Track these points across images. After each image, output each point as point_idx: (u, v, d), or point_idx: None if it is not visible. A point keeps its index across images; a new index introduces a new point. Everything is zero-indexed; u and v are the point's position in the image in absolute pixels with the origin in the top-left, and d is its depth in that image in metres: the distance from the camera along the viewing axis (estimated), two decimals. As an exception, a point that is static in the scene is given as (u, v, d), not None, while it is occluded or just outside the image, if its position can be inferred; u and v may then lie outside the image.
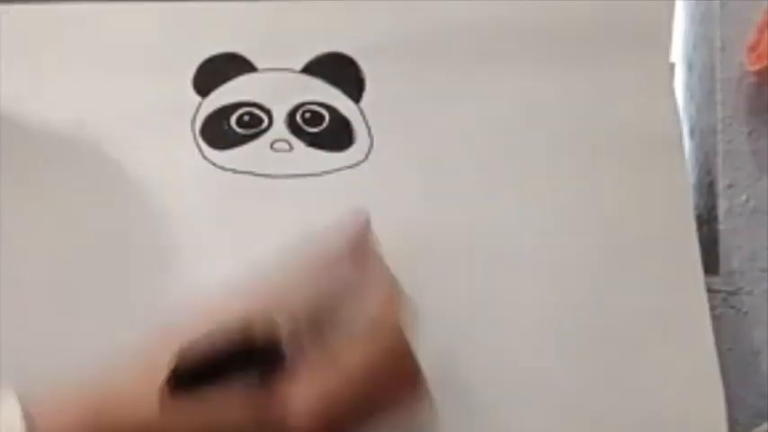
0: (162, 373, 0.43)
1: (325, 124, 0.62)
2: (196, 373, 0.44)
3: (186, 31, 0.65)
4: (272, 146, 0.61)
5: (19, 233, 0.58)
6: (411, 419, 0.50)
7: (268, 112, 0.62)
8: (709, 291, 0.59)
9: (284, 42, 0.64)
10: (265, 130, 0.61)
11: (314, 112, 0.62)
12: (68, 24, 0.64)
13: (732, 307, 0.60)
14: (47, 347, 0.55)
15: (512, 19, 0.65)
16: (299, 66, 0.63)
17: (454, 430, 0.55)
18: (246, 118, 0.62)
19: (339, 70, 0.63)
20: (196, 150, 0.61)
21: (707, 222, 0.62)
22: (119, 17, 0.65)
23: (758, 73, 0.64)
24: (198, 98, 0.63)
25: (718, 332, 0.58)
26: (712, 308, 0.59)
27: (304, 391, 0.45)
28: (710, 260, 0.61)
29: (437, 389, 0.55)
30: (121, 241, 0.58)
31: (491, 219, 0.60)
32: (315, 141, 0.61)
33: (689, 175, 0.62)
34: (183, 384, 0.44)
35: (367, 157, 0.61)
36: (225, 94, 0.62)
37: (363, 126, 0.62)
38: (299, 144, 0.61)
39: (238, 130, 0.62)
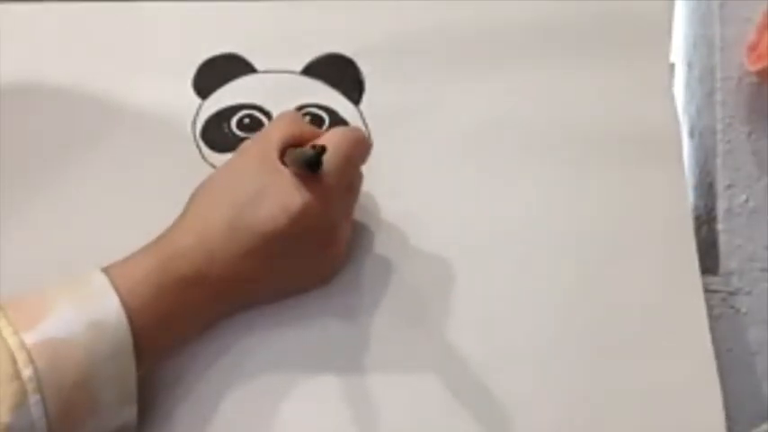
0: (204, 219, 0.53)
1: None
2: None
3: (186, 32, 0.65)
4: (271, 148, 0.61)
5: (18, 233, 0.58)
6: None
7: (268, 115, 0.62)
8: (709, 291, 0.59)
9: (284, 44, 0.64)
10: (265, 133, 0.61)
11: (314, 115, 0.62)
12: (68, 24, 0.64)
13: (731, 307, 0.60)
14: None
15: (511, 19, 0.65)
16: (300, 67, 0.63)
17: (452, 429, 0.55)
18: (247, 120, 0.62)
19: (339, 72, 0.63)
20: (196, 153, 0.61)
21: (706, 222, 0.62)
22: (118, 17, 0.65)
23: (758, 73, 0.64)
24: (198, 100, 0.63)
25: (717, 332, 0.58)
26: (711, 308, 0.59)
27: None
28: (710, 260, 0.61)
29: (433, 388, 0.55)
30: (121, 243, 0.58)
31: (490, 219, 0.60)
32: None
33: (687, 176, 0.62)
34: None
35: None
36: (225, 96, 0.63)
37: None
38: (298, 146, 0.61)
39: (239, 132, 0.62)
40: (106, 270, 0.51)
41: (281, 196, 0.52)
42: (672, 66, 0.65)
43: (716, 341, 0.57)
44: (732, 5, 0.65)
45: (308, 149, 0.52)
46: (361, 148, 0.55)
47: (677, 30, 0.66)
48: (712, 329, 0.58)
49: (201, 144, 0.61)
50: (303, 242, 0.53)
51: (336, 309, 0.57)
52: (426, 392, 0.55)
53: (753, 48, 0.64)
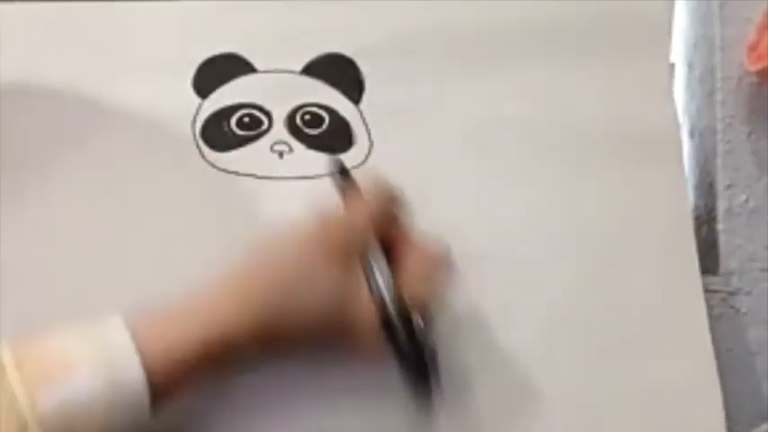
0: (260, 303, 0.48)
1: (324, 126, 0.62)
2: None
3: (186, 31, 0.65)
4: (271, 148, 0.61)
5: (18, 233, 0.58)
6: None
7: (268, 114, 0.62)
8: (709, 291, 0.59)
9: (284, 43, 0.64)
10: (265, 132, 0.62)
11: (314, 114, 0.62)
12: (68, 24, 0.64)
13: (731, 307, 0.60)
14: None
15: (511, 19, 0.65)
16: (299, 67, 0.63)
17: (452, 428, 0.55)
18: (246, 120, 0.62)
19: (339, 71, 0.63)
20: (196, 152, 0.61)
21: (706, 222, 0.62)
22: (118, 17, 0.65)
23: (758, 73, 0.64)
24: (198, 99, 0.63)
25: (717, 332, 0.58)
26: (711, 308, 0.59)
27: None
28: (710, 260, 0.61)
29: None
30: (121, 242, 0.58)
31: (490, 219, 0.60)
32: (314, 143, 0.61)
33: (687, 176, 0.62)
34: None
35: (366, 158, 0.61)
36: (225, 96, 0.62)
37: (363, 128, 0.62)
38: (298, 146, 0.61)
39: (238, 131, 0.62)
40: (133, 328, 0.47)
41: (361, 318, 0.49)
42: (672, 66, 0.65)
43: (716, 341, 0.57)
44: (732, 5, 0.65)
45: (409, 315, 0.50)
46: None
47: (677, 30, 0.66)
48: (712, 329, 0.58)
49: (201, 143, 0.61)
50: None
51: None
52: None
53: (753, 48, 0.64)
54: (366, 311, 0.49)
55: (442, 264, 0.53)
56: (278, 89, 0.62)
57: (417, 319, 0.50)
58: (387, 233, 0.52)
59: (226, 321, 0.48)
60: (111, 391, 0.45)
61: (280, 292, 0.49)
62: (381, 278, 0.50)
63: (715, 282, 0.61)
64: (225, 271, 0.50)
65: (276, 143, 0.61)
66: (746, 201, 0.63)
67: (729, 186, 0.63)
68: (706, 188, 0.63)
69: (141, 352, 0.46)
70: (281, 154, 0.61)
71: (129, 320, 0.47)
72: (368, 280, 0.50)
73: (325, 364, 0.53)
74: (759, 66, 0.64)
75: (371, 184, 0.54)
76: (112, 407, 0.45)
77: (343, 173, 0.55)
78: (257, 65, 0.63)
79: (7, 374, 0.44)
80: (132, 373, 0.46)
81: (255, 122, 0.62)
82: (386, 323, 0.49)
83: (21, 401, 0.44)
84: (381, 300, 0.50)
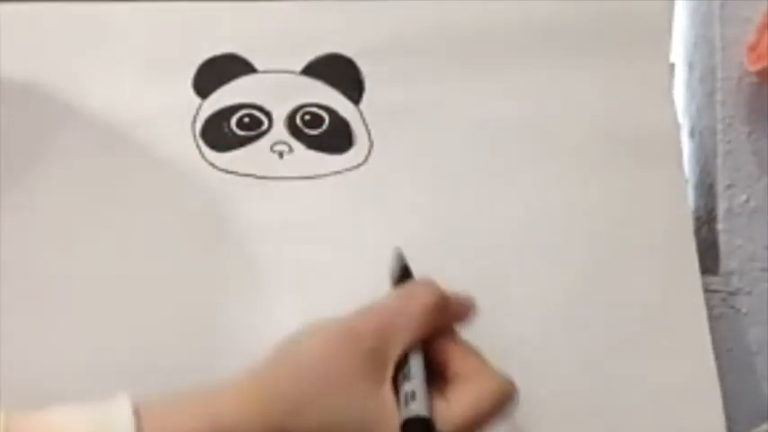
0: (272, 404, 0.43)
1: (324, 126, 0.62)
2: None
3: (186, 32, 0.64)
4: (271, 148, 0.61)
5: (18, 233, 0.58)
6: None
7: (268, 114, 0.62)
8: (709, 291, 0.59)
9: (284, 44, 0.64)
10: (265, 132, 0.61)
11: (314, 114, 0.62)
12: (68, 24, 0.64)
13: (732, 307, 0.60)
14: (41, 353, 0.55)
15: (511, 19, 0.65)
16: (299, 67, 0.63)
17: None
18: (246, 120, 0.62)
19: (339, 72, 0.63)
20: (196, 152, 0.61)
21: (707, 223, 0.62)
22: (118, 17, 0.65)
23: (758, 73, 0.64)
24: (198, 99, 0.63)
25: (717, 332, 0.58)
26: (712, 308, 0.59)
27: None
28: (710, 260, 0.61)
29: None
30: (120, 242, 0.58)
31: (490, 219, 0.60)
32: (314, 143, 0.61)
33: (687, 176, 0.62)
34: None
35: (367, 159, 0.61)
36: (225, 96, 0.62)
37: (363, 128, 0.62)
38: (298, 146, 0.61)
39: (238, 131, 0.62)
40: (139, 414, 0.42)
41: None
42: (672, 66, 0.65)
43: (716, 341, 0.57)
44: (732, 5, 0.65)
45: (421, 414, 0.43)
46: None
47: (678, 30, 0.66)
48: (712, 329, 0.58)
49: (201, 143, 0.61)
50: None
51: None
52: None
53: (753, 48, 0.64)
54: None
55: (501, 400, 0.46)
56: (278, 89, 0.62)
57: None
58: (436, 342, 0.46)
59: (235, 419, 0.43)
60: None
61: (295, 400, 0.44)
62: (416, 399, 0.43)
63: (715, 282, 0.61)
64: (245, 369, 0.46)
65: (276, 143, 0.61)
66: (747, 201, 0.63)
67: (730, 186, 0.63)
68: (706, 188, 0.63)
69: None
70: (281, 154, 0.61)
71: (138, 406, 0.43)
72: (398, 396, 0.44)
73: None
74: (759, 66, 0.64)
75: (436, 286, 0.48)
76: None
77: (403, 270, 0.49)
78: (257, 65, 0.63)
79: None
80: None
81: (255, 122, 0.62)
82: None
83: None
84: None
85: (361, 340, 0.45)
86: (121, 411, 0.42)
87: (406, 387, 0.44)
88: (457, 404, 0.44)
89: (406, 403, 0.43)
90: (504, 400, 0.45)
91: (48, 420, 0.42)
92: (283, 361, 0.45)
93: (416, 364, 0.45)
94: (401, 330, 0.45)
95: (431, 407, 0.43)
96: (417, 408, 0.43)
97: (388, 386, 0.44)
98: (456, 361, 0.46)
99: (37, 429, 0.41)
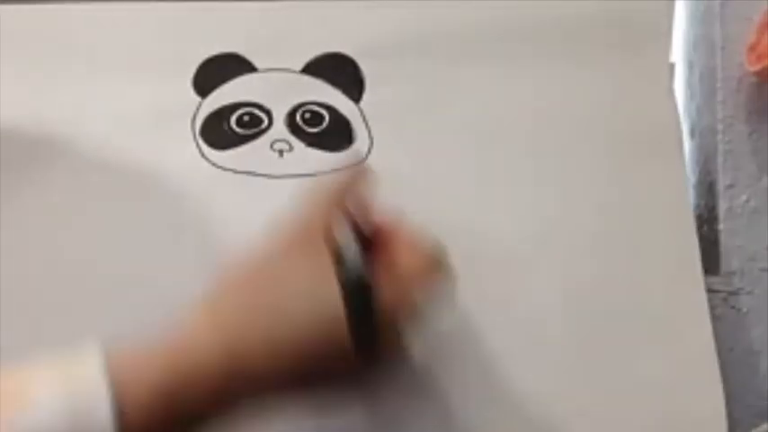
0: (225, 327, 0.44)
1: (324, 124, 0.62)
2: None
3: (186, 31, 0.65)
4: (271, 146, 0.61)
5: (18, 233, 0.58)
6: None
7: (268, 113, 0.62)
8: (710, 291, 0.59)
9: (284, 42, 0.64)
10: (265, 131, 0.61)
11: (314, 113, 0.62)
12: (68, 24, 0.64)
13: (732, 307, 0.60)
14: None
15: (511, 19, 0.65)
16: (299, 66, 0.63)
17: (454, 427, 0.55)
18: (246, 118, 0.62)
19: (339, 70, 0.63)
20: (196, 150, 0.61)
21: (707, 222, 0.62)
22: (119, 17, 0.65)
23: (758, 73, 0.64)
24: (198, 98, 0.63)
25: (718, 332, 0.58)
26: (713, 308, 0.59)
27: None
28: (711, 260, 0.61)
29: (435, 389, 0.55)
30: (121, 241, 0.58)
31: (490, 218, 0.60)
32: (314, 141, 0.61)
33: (688, 175, 0.62)
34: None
35: (367, 157, 0.61)
36: (225, 95, 0.62)
37: (363, 126, 0.62)
38: (298, 144, 0.61)
39: (238, 130, 0.62)
40: (106, 357, 0.43)
41: (330, 311, 0.44)
42: (672, 66, 0.65)
43: (717, 341, 0.57)
44: (733, 5, 0.66)
45: (362, 275, 0.45)
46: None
47: (678, 29, 0.66)
48: (713, 329, 0.57)
49: (201, 141, 0.61)
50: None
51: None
52: (425, 388, 0.55)
53: (753, 48, 0.64)
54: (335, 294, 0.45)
55: (435, 266, 0.49)
56: (278, 88, 0.62)
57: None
58: (366, 220, 0.50)
59: (192, 345, 0.44)
60: (74, 421, 0.41)
61: (249, 306, 0.45)
62: (348, 250, 0.46)
63: (716, 281, 0.61)
64: (199, 298, 0.47)
65: (276, 141, 0.61)
66: (747, 201, 0.63)
67: (730, 186, 0.63)
68: (707, 188, 0.63)
69: (111, 382, 0.41)
70: (280, 152, 0.61)
71: (106, 349, 0.43)
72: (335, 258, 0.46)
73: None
74: (759, 66, 0.64)
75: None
76: None
77: None
78: (257, 64, 0.63)
79: None
80: (99, 403, 0.41)
81: (255, 121, 0.62)
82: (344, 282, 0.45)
83: None
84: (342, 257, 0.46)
85: (291, 228, 0.48)
86: (89, 352, 0.43)
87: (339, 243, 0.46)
88: (395, 276, 0.46)
89: (340, 260, 0.46)
90: (438, 265, 0.48)
91: (13, 377, 0.42)
92: (233, 276, 0.47)
93: (342, 228, 0.47)
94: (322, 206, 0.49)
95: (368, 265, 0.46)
96: (352, 259, 0.46)
97: (324, 255, 0.46)
98: (389, 242, 0.49)
99: (6, 383, 0.41)
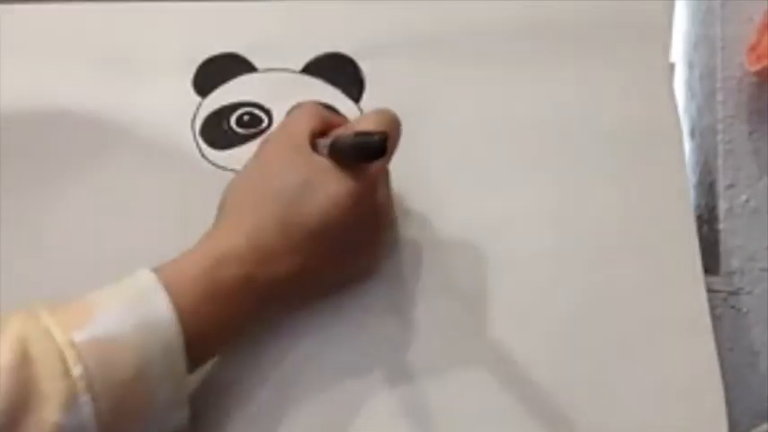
0: (247, 222, 0.52)
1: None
2: None
3: (186, 31, 0.65)
4: (271, 146, 0.61)
5: (18, 233, 0.58)
6: None
7: (268, 112, 0.62)
8: (710, 291, 0.59)
9: (284, 42, 0.64)
10: (265, 130, 0.62)
11: (314, 112, 0.62)
12: (68, 24, 0.64)
13: (732, 307, 0.60)
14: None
15: (511, 19, 0.65)
16: (299, 66, 0.63)
17: (454, 426, 0.55)
18: (246, 118, 0.62)
19: (339, 70, 0.63)
20: (196, 150, 0.61)
21: (707, 222, 0.62)
22: (119, 17, 0.65)
23: (758, 73, 0.64)
24: (198, 98, 0.63)
25: (718, 332, 0.58)
26: (713, 308, 0.59)
27: None
28: (711, 260, 0.61)
29: (434, 389, 0.55)
30: (121, 240, 0.58)
31: (490, 218, 0.60)
32: (314, 141, 0.61)
33: (688, 175, 0.62)
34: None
35: (366, 156, 0.61)
36: (225, 95, 0.63)
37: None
38: (298, 144, 0.61)
39: (238, 129, 0.62)
40: (154, 271, 0.49)
41: (328, 188, 0.51)
42: (672, 66, 0.65)
43: (717, 341, 0.57)
44: (733, 5, 0.66)
45: (370, 138, 0.51)
46: (399, 128, 0.54)
47: (678, 29, 0.66)
48: (713, 329, 0.57)
49: (201, 141, 0.61)
50: (354, 232, 0.53)
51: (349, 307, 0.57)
52: (426, 386, 0.55)
53: (753, 48, 0.64)
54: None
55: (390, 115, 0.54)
56: (278, 87, 0.63)
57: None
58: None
59: (219, 241, 0.51)
60: (143, 331, 0.47)
61: (278, 208, 0.51)
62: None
63: (716, 281, 0.60)
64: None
65: (276, 141, 0.61)
66: (747, 201, 0.63)
67: (730, 186, 0.63)
68: (707, 188, 0.63)
69: (165, 285, 0.48)
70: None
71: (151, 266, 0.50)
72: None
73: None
74: (759, 66, 0.64)
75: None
76: (144, 344, 0.47)
77: None
78: (257, 64, 0.63)
79: (42, 317, 0.46)
80: (158, 303, 0.48)
81: (255, 120, 0.62)
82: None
83: (57, 338, 0.45)
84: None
85: (280, 133, 0.55)
86: (141, 270, 0.50)
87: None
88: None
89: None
90: (396, 119, 0.54)
91: (76, 299, 0.48)
92: (243, 179, 0.55)
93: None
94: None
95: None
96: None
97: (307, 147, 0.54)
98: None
99: (70, 305, 0.47)
